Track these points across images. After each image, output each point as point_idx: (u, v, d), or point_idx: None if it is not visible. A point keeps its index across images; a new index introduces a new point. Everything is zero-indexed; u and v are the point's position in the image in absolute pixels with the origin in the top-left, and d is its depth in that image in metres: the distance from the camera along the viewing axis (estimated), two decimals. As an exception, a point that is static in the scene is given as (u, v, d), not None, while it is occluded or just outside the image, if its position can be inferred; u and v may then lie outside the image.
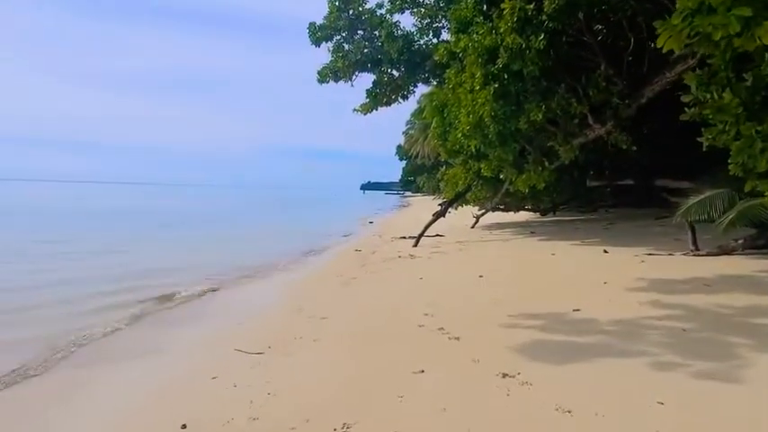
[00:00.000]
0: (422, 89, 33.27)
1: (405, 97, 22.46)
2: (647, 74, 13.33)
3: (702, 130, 7.95)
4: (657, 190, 16.96)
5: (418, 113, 53.03)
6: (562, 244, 14.46)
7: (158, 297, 10.06)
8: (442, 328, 6.37)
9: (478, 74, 12.61)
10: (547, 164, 14.00)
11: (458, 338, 5.94)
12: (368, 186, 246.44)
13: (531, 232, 18.25)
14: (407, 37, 19.90)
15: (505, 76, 12.39)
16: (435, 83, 21.70)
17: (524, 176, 14.12)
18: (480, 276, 9.84)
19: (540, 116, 12.20)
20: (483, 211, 21.19)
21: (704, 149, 8.02)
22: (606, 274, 9.27)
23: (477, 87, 12.75)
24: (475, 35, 12.83)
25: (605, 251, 12.15)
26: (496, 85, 12.33)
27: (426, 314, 7.17)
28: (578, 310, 6.87)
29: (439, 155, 32.59)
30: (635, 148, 13.05)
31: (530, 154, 14.64)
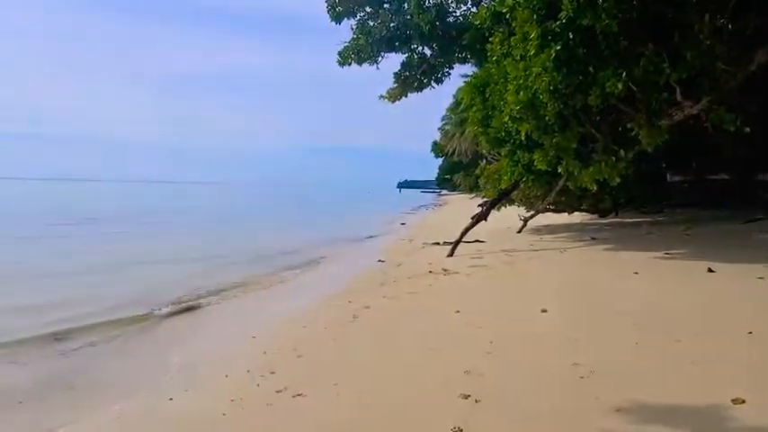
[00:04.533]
0: (458, 77, 30.11)
1: (439, 80, 19.42)
2: (759, 33, 10.03)
3: None
4: (753, 186, 13.53)
5: (454, 107, 49.94)
6: (639, 256, 11.22)
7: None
8: (497, 442, 3.43)
9: (534, 34, 9.56)
10: (622, 153, 10.80)
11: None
12: (404, 184, 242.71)
13: (592, 238, 14.99)
14: (441, 7, 16.88)
15: (570, 36, 9.31)
16: (474, 62, 18.70)
17: (592, 169, 10.94)
18: (544, 311, 6.81)
19: (620, 87, 9.03)
20: (532, 212, 17.99)
21: None
22: (739, 312, 6.14)
23: (532, 52, 9.69)
24: (527, -14, 9.82)
25: (710, 270, 8.90)
26: (558, 48, 9.26)
27: (466, 396, 4.24)
28: (742, 401, 3.81)
29: (477, 149, 29.47)
30: (747, 129, 9.74)
31: (596, 141, 11.48)
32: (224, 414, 4.37)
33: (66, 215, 32.18)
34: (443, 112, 57.85)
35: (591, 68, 9.52)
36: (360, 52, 18.17)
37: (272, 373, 5.30)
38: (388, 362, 5.46)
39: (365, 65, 18.82)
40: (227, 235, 22.93)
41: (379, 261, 13.95)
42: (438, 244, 16.11)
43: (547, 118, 10.46)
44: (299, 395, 4.62)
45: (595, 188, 11.60)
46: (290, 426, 4.12)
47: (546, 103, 10.06)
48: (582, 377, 4.52)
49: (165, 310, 8.79)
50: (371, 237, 22.73)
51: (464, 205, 34.17)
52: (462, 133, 46.06)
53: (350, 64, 18.82)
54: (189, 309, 9.08)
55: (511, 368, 4.93)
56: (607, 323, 6.27)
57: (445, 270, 11.28)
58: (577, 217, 20.97)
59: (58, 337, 7.17)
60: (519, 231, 18.03)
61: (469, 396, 4.25)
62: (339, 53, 18.55)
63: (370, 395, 4.57)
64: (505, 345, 5.65)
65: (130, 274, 12.69)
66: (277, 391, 4.73)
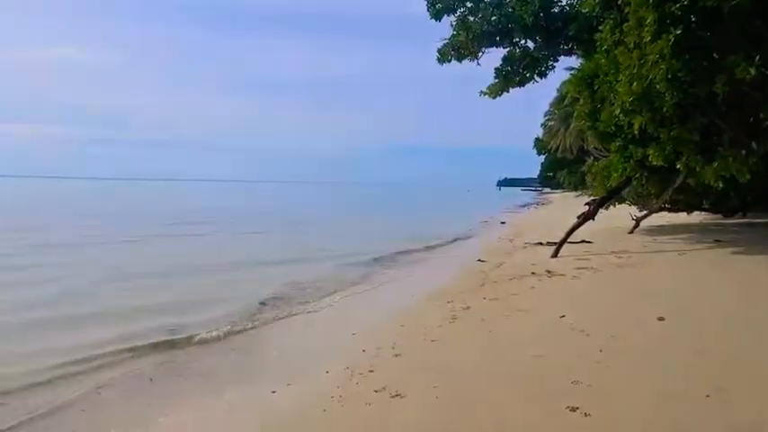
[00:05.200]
0: (562, 71, 28.85)
1: (542, 74, 18.60)
2: None
3: None
4: None
5: (558, 102, 47.94)
6: (775, 261, 10.06)
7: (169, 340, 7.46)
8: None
9: (650, 19, 8.85)
10: (754, 145, 9.71)
11: None
12: (504, 183, 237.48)
13: (716, 240, 13.67)
14: (545, -3, 16.18)
15: (692, 18, 8.53)
16: (580, 54, 17.74)
17: (717, 165, 9.95)
18: (661, 319, 6.27)
19: (752, 72, 8.10)
20: (645, 211, 16.77)
21: None
22: None
23: (648, 39, 8.98)
24: (643, -33, 9.10)
25: None
26: (678, 32, 8.49)
27: (574, 409, 3.96)
28: None
29: (584, 144, 28.02)
30: None
31: (721, 133, 10.42)
32: (324, 410, 4.42)
33: (196, 213, 34.73)
34: (546, 108, 55.86)
35: (716, 53, 8.66)
36: (460, 48, 17.88)
37: (371, 371, 5.30)
38: (488, 367, 5.26)
39: (465, 61, 18.51)
40: (328, 235, 23.33)
41: (479, 261, 13.65)
42: (541, 244, 15.51)
43: (664, 109, 9.68)
44: (397, 395, 4.57)
45: (720, 185, 10.52)
46: (388, 426, 4.08)
47: (663, 94, 9.29)
48: (708, 395, 4.07)
49: (274, 312, 9.05)
50: (470, 236, 22.39)
51: (568, 204, 32.66)
52: (567, 128, 44.13)
53: (449, 61, 18.58)
54: (295, 308, 9.34)
55: (625, 380, 4.56)
56: (739, 336, 5.63)
57: (549, 271, 10.79)
58: (697, 217, 19.31)
59: (173, 331, 7.64)
60: (630, 232, 16.88)
61: (578, 409, 3.97)
62: (438, 50, 18.36)
63: (469, 401, 4.42)
64: (618, 354, 5.25)
65: (245, 273, 13.20)
66: (376, 391, 4.72)
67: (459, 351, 5.93)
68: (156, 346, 7.05)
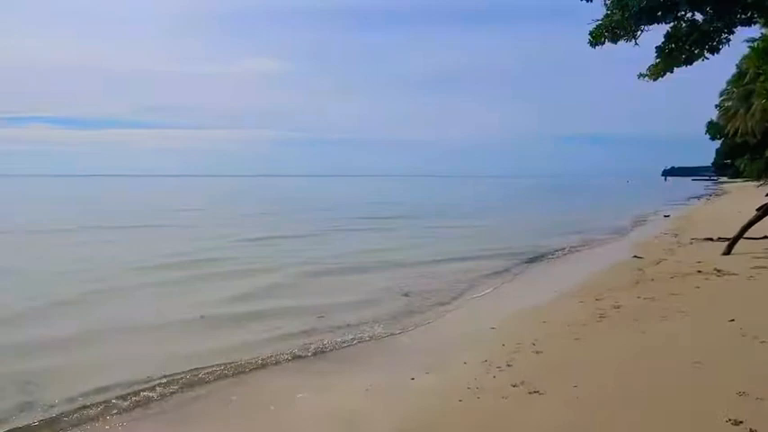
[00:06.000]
0: (738, 45, 25.48)
1: (713, 50, 16.47)
2: None
3: None
4: None
5: (736, 80, 42.39)
6: None
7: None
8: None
9: None
10: None
11: None
12: (671, 172, 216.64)
13: None
14: (718, -38, 14.37)
15: None
16: (763, 23, 15.49)
17: None
18: None
19: None
20: None
21: None
22: None
23: None
24: None
25: None
26: None
27: (737, 422, 3.57)
28: None
29: (769, 126, 24.45)
30: None
31: None
32: (460, 400, 4.47)
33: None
34: (721, 87, 49.73)
35: None
36: (615, 29, 16.56)
37: (509, 366, 5.24)
38: (638, 370, 4.90)
39: (621, 42, 17.15)
40: (486, 230, 22.15)
41: (635, 257, 12.63)
42: (711, 240, 13.96)
43: None
44: (535, 392, 4.46)
45: None
46: (524, 422, 4.01)
47: None
48: None
49: (421, 305, 9.07)
50: (628, 230, 20.76)
51: (748, 195, 28.91)
52: (748, 109, 39.02)
53: (603, 43, 17.22)
54: (442, 303, 9.31)
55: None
56: None
57: (718, 270, 9.68)
58: None
59: (325, 322, 7.97)
60: (827, 227, 14.42)
61: (741, 423, 3.55)
62: (590, 33, 17.12)
63: (614, 404, 4.17)
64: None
65: (406, 270, 12.60)
66: (513, 385, 4.66)
67: (605, 351, 5.60)
68: (310, 342, 7.24)
